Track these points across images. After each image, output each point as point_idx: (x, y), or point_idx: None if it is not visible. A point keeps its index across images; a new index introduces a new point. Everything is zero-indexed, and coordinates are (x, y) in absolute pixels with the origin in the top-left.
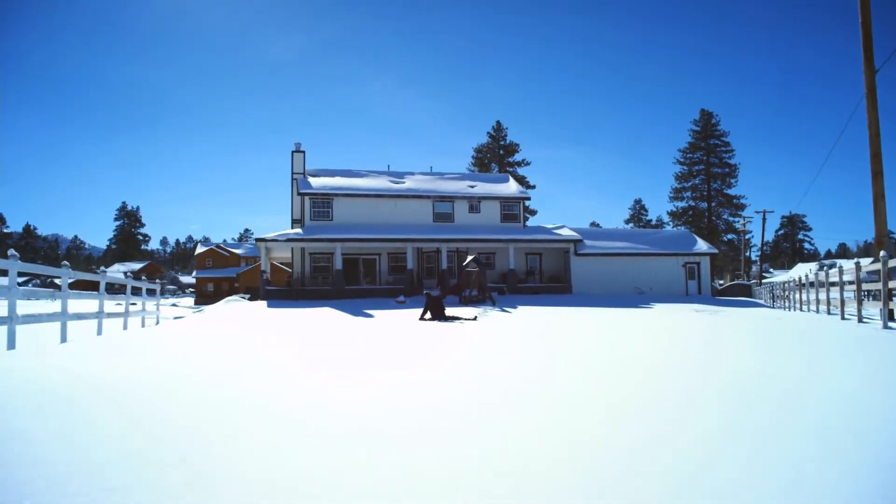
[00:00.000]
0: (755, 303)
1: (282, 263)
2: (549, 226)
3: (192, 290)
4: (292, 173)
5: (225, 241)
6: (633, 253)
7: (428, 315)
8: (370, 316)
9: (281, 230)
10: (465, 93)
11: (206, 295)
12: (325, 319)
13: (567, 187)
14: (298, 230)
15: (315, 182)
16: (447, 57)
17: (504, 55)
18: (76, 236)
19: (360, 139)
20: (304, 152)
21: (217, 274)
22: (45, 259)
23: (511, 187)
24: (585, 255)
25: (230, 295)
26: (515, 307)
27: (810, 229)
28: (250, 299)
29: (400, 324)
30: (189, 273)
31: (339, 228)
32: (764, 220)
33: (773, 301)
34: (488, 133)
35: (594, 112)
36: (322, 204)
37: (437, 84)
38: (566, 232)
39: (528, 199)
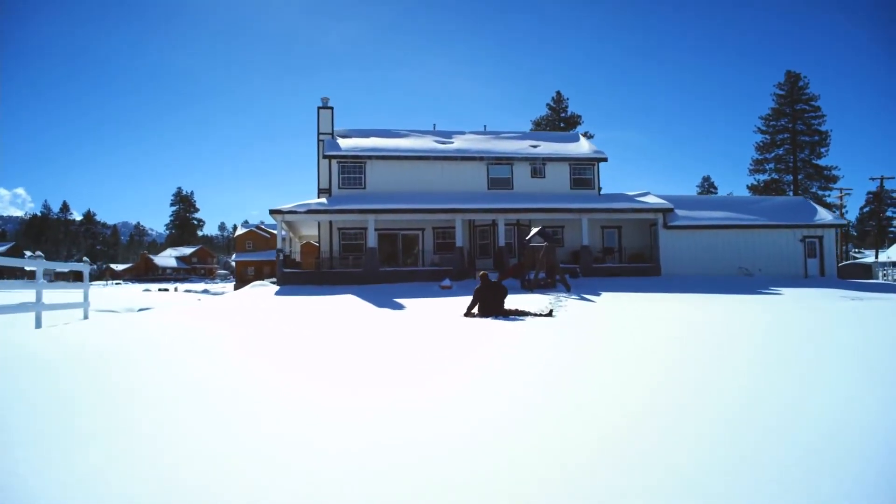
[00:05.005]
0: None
1: (316, 242)
2: (631, 193)
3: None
4: (318, 134)
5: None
6: (740, 225)
7: (476, 309)
8: (400, 307)
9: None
10: (521, 76)
11: (246, 279)
12: (334, 313)
13: (629, 169)
14: (323, 200)
15: (344, 143)
16: (504, 41)
17: (564, 34)
18: (139, 223)
19: (411, 121)
20: (331, 108)
21: (257, 257)
22: (104, 245)
23: (582, 146)
24: (677, 227)
25: (272, 277)
26: (598, 294)
27: None
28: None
29: (436, 323)
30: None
31: (372, 198)
32: (882, 186)
33: None
34: (548, 105)
35: (655, 90)
36: (353, 169)
37: (494, 67)
38: (652, 199)
39: (605, 159)
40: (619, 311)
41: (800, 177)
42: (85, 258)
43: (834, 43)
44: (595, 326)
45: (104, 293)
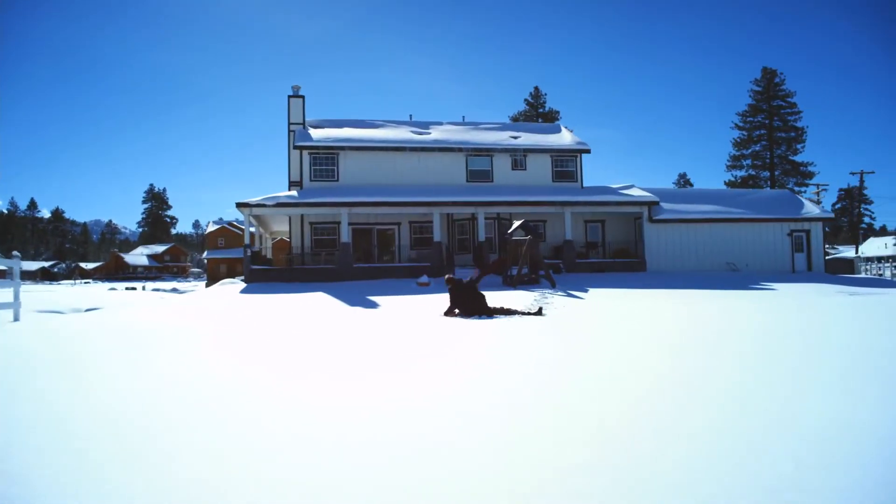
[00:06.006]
0: (886, 281)
1: (289, 238)
2: (615, 185)
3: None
4: (289, 124)
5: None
6: (726, 218)
7: (457, 310)
8: (374, 305)
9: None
10: (500, 74)
11: (218, 276)
12: (300, 312)
13: (605, 166)
14: (293, 193)
15: (317, 133)
16: (480, 36)
17: (539, 30)
18: (111, 220)
19: (387, 116)
20: (302, 97)
21: (229, 254)
22: (74, 243)
23: (564, 138)
24: (662, 221)
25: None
26: (585, 290)
27: (871, 202)
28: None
29: (413, 323)
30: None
31: (346, 190)
32: (861, 180)
33: None
34: (525, 100)
35: (632, 88)
36: (325, 160)
37: (472, 64)
38: (637, 192)
39: (588, 151)
40: (608, 308)
41: (776, 173)
42: (15, 252)
43: (815, 38)
44: (586, 325)
45: (70, 292)
